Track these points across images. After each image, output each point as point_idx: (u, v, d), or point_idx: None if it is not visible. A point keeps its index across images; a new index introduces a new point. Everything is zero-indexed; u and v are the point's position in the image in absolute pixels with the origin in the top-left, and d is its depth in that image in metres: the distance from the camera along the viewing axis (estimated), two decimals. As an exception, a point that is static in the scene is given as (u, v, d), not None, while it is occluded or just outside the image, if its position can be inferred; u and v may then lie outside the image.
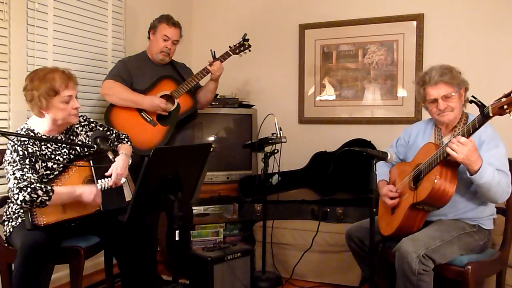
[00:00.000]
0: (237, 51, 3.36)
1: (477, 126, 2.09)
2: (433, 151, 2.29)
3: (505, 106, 1.95)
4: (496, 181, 2.20)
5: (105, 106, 3.18)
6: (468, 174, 2.20)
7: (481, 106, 2.04)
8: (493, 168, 2.20)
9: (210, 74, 3.26)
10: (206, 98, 3.39)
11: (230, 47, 3.36)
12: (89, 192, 2.35)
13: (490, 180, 2.18)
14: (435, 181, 2.21)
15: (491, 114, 2.00)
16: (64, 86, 2.34)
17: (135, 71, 3.19)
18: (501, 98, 1.98)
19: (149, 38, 3.27)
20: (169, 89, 3.19)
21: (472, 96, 2.09)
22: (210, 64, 3.25)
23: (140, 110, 3.14)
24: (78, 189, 2.34)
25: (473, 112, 2.28)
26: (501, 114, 1.98)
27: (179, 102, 3.19)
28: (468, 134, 2.13)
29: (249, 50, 3.41)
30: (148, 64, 3.26)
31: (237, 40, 3.38)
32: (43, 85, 2.30)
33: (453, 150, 2.13)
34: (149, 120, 3.13)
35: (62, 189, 2.30)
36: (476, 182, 2.20)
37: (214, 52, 3.29)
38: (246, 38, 3.39)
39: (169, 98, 3.18)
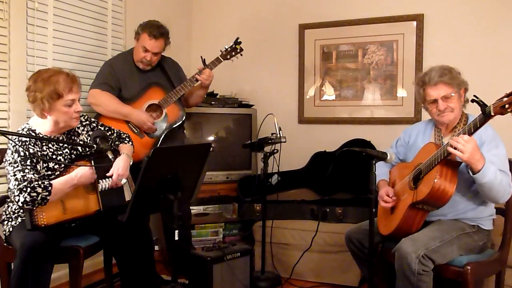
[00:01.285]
0: (228, 56, 3.27)
1: (478, 125, 2.10)
2: (434, 150, 2.29)
3: (507, 106, 1.96)
4: (498, 181, 2.20)
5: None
6: (471, 173, 2.20)
7: (482, 105, 2.05)
8: (496, 168, 2.20)
9: (201, 82, 3.21)
10: (195, 101, 3.38)
11: (221, 51, 3.27)
12: (85, 174, 2.35)
13: (493, 179, 2.18)
14: (435, 180, 2.21)
15: (492, 113, 2.01)
16: (68, 89, 2.33)
17: (122, 76, 3.14)
18: (502, 97, 1.99)
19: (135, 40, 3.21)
20: (157, 98, 3.14)
21: (474, 96, 2.09)
22: (200, 72, 3.17)
23: (128, 121, 3.10)
24: (75, 175, 2.32)
25: (473, 112, 2.28)
26: (502, 114, 1.99)
27: (167, 112, 3.14)
28: (469, 133, 2.13)
29: (241, 55, 3.32)
30: (136, 68, 3.20)
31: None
32: (47, 87, 2.29)
33: (458, 150, 2.12)
34: (136, 131, 3.09)
35: (59, 181, 2.29)
36: (479, 181, 2.20)
37: (204, 59, 3.22)
38: (238, 41, 3.30)
39: (157, 107, 3.14)
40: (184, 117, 3.22)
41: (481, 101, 2.06)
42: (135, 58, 3.19)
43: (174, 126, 3.18)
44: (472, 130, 2.12)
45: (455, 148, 2.13)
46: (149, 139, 3.11)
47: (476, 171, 2.17)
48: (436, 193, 2.23)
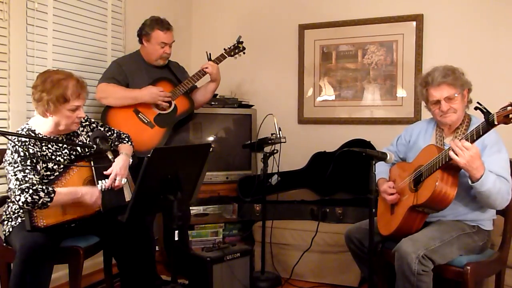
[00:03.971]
0: (232, 53, 3.36)
1: (481, 133, 2.06)
2: (435, 154, 2.26)
3: (511, 115, 1.91)
4: (496, 189, 2.18)
5: (103, 106, 3.16)
6: (470, 182, 2.18)
7: (486, 113, 2.00)
8: (495, 176, 2.19)
9: (209, 75, 3.25)
10: (205, 98, 3.39)
11: (225, 49, 3.35)
12: (91, 194, 2.35)
13: (491, 188, 2.16)
14: (436, 183, 2.20)
15: (496, 123, 1.96)
16: (76, 96, 2.34)
17: (130, 73, 3.17)
18: (506, 106, 1.94)
19: (140, 42, 3.23)
20: (166, 91, 3.17)
21: (477, 102, 2.05)
22: (206, 66, 3.23)
23: (137, 112, 3.12)
24: (80, 190, 2.33)
25: (476, 112, 2.26)
26: (506, 123, 1.94)
27: (176, 104, 3.18)
28: (472, 140, 2.10)
29: (244, 53, 3.40)
30: (143, 66, 3.23)
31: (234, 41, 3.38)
32: (56, 90, 2.29)
33: (456, 154, 2.11)
34: (146, 121, 3.12)
35: (64, 190, 2.29)
36: (477, 189, 2.18)
37: (209, 54, 3.29)
38: (240, 40, 3.38)
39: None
40: (193, 108, 3.27)
41: (485, 108, 2.01)
42: (153, 58, 3.21)
43: (184, 117, 3.21)
44: (474, 137, 2.09)
45: (454, 153, 2.12)
46: (159, 128, 3.13)
47: (475, 180, 2.16)
48: (437, 197, 2.21)
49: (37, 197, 2.16)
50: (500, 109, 1.96)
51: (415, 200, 2.31)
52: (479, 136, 2.08)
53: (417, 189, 2.35)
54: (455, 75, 2.37)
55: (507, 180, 2.26)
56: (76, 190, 2.33)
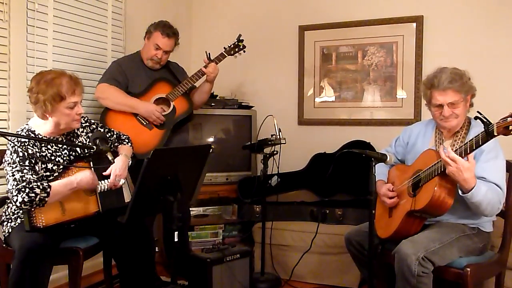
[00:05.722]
0: (232, 52, 3.36)
1: (480, 144, 2.04)
2: (434, 159, 2.25)
3: (511, 127, 1.89)
4: (487, 200, 2.18)
5: (103, 107, 3.17)
6: (460, 192, 2.18)
7: (486, 123, 1.98)
8: (486, 187, 2.18)
9: (206, 75, 3.26)
10: (201, 99, 3.40)
11: (224, 48, 3.36)
12: (86, 179, 2.34)
13: (482, 199, 2.16)
14: (435, 189, 2.19)
15: (495, 134, 1.94)
16: (71, 92, 2.34)
17: (130, 73, 3.18)
18: (506, 117, 1.91)
19: (144, 39, 3.26)
20: (164, 91, 3.19)
21: (478, 112, 2.02)
22: (205, 66, 3.24)
23: (136, 114, 3.13)
24: (75, 179, 2.32)
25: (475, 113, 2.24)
26: (505, 134, 1.91)
27: (174, 105, 3.18)
28: (471, 150, 2.08)
29: (244, 51, 3.40)
30: (143, 66, 3.25)
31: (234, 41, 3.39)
32: (50, 89, 2.29)
33: (448, 163, 2.10)
34: (145, 123, 3.12)
35: (59, 183, 2.28)
36: (467, 200, 2.18)
37: (209, 53, 3.29)
38: (240, 39, 3.39)
39: (164, 100, 3.17)
40: (192, 109, 3.27)
41: (485, 118, 1.98)
42: (145, 56, 3.23)
43: (182, 118, 3.21)
44: (474, 147, 2.07)
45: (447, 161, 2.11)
46: (158, 130, 3.14)
47: (465, 191, 2.15)
48: (435, 203, 2.21)
49: (33, 195, 2.16)
50: (500, 119, 1.93)
51: (413, 205, 2.31)
52: (478, 146, 2.06)
53: (415, 194, 2.34)
54: (462, 81, 2.32)
55: (501, 189, 2.25)
56: (71, 180, 2.32)
